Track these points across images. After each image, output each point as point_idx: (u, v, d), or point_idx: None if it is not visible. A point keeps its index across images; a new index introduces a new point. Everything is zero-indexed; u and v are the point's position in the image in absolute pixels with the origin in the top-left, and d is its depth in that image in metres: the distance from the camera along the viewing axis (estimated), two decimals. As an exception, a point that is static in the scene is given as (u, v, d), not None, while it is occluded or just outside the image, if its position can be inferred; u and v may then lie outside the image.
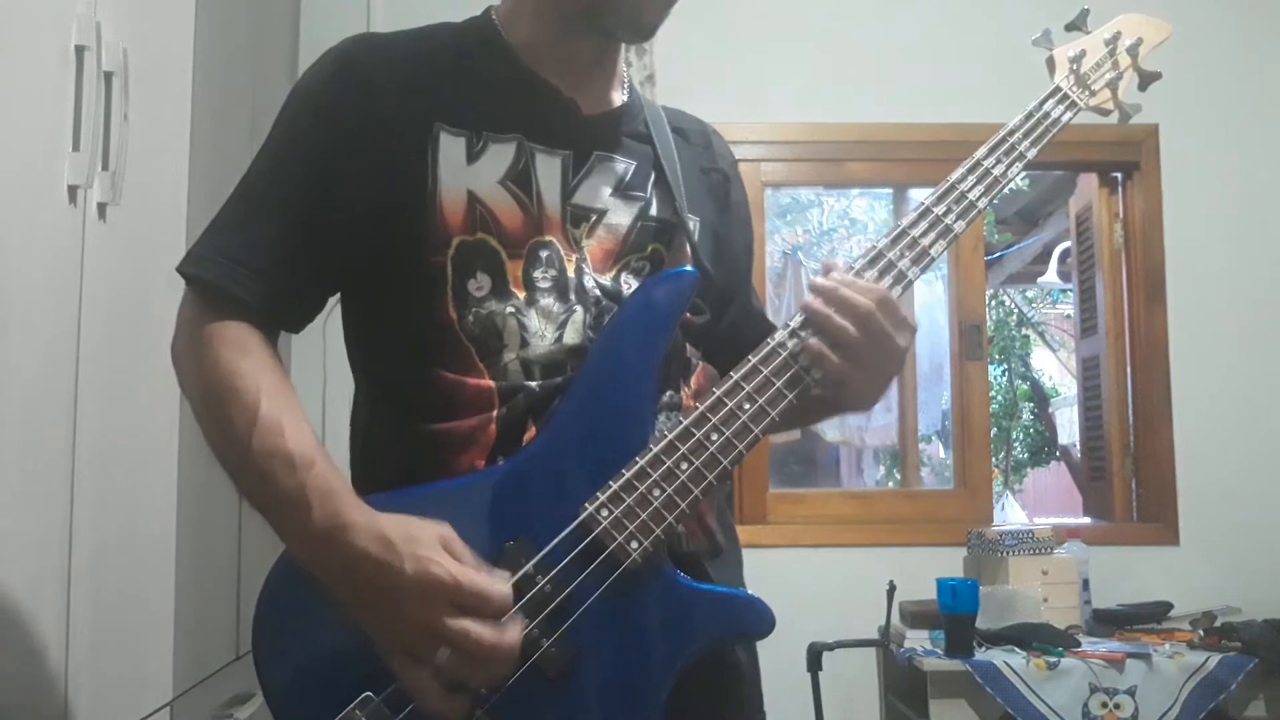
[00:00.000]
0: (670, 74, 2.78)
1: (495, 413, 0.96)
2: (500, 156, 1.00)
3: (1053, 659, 2.41)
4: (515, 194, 1.00)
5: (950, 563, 2.87)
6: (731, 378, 0.98)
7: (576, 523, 0.92)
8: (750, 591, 1.01)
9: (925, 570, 2.67)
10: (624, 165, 1.06)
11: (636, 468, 0.93)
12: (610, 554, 0.91)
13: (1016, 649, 2.48)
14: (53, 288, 1.27)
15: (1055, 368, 9.22)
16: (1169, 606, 2.83)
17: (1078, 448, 5.09)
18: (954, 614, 2.45)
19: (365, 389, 1.06)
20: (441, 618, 0.82)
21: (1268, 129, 3.15)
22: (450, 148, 0.99)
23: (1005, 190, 1.04)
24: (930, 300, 5.17)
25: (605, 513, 0.92)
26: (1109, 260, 3.25)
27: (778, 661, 2.53)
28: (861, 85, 3.12)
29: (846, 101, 3.10)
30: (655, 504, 0.93)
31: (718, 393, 0.97)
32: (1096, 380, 3.34)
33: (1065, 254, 6.08)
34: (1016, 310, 8.98)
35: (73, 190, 1.30)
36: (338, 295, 1.05)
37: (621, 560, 0.91)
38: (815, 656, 2.51)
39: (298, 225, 0.97)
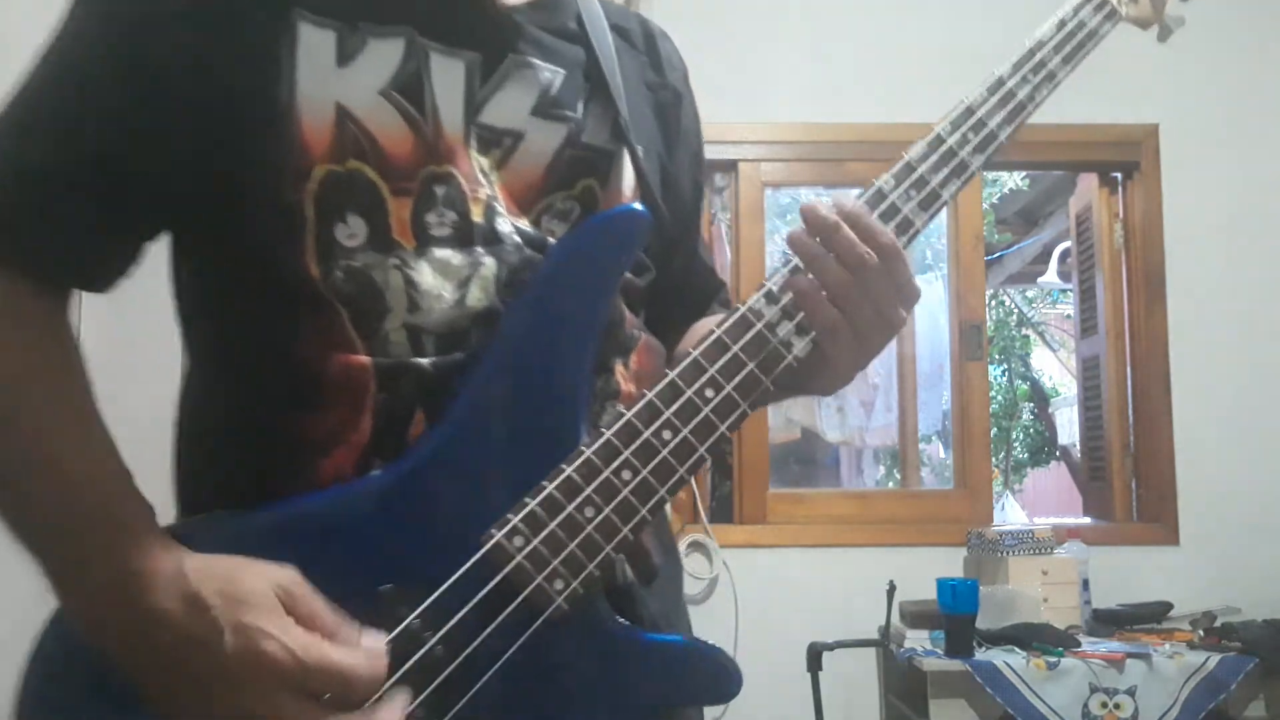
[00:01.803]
0: (670, 74, 2.78)
1: (370, 399, 0.71)
2: (382, 57, 0.75)
3: (1053, 659, 2.40)
4: (402, 108, 0.75)
5: (950, 563, 2.87)
6: (691, 354, 0.74)
7: (479, 556, 0.68)
8: (710, 642, 0.76)
9: (925, 570, 2.67)
10: (549, 74, 0.81)
11: (563, 479, 0.70)
12: (527, 599, 0.69)
13: (1016, 649, 2.47)
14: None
15: (1055, 368, 9.22)
16: (1169, 606, 2.83)
17: (1078, 448, 5.09)
18: (954, 614, 2.45)
19: (197, 368, 0.80)
20: (280, 713, 0.61)
21: (1268, 129, 3.15)
22: (314, 45, 0.73)
23: (1029, 119, 0.85)
24: (930, 300, 5.17)
25: (519, 541, 0.69)
26: (1109, 260, 3.25)
27: (778, 661, 2.54)
28: (861, 85, 3.12)
29: (846, 101, 3.10)
30: (588, 528, 0.70)
31: (672, 375, 0.74)
32: (1096, 380, 3.34)
33: (1065, 254, 6.08)
34: (1016, 310, 8.97)
35: (72, 190, 1.29)
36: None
37: (542, 607, 0.69)
38: (815, 656, 2.51)
39: (101, 147, 0.71)
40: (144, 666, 0.64)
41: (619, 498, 0.71)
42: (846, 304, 0.75)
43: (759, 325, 0.76)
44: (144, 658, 0.63)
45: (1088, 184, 3.39)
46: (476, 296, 0.74)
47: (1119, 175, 3.25)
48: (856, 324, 0.76)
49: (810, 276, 0.76)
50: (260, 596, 0.62)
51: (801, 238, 0.76)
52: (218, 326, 0.78)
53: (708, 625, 2.79)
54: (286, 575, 0.64)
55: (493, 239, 0.76)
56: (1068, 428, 8.47)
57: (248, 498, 0.71)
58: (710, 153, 3.68)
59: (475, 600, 0.68)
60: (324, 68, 0.73)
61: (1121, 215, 3.24)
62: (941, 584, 2.48)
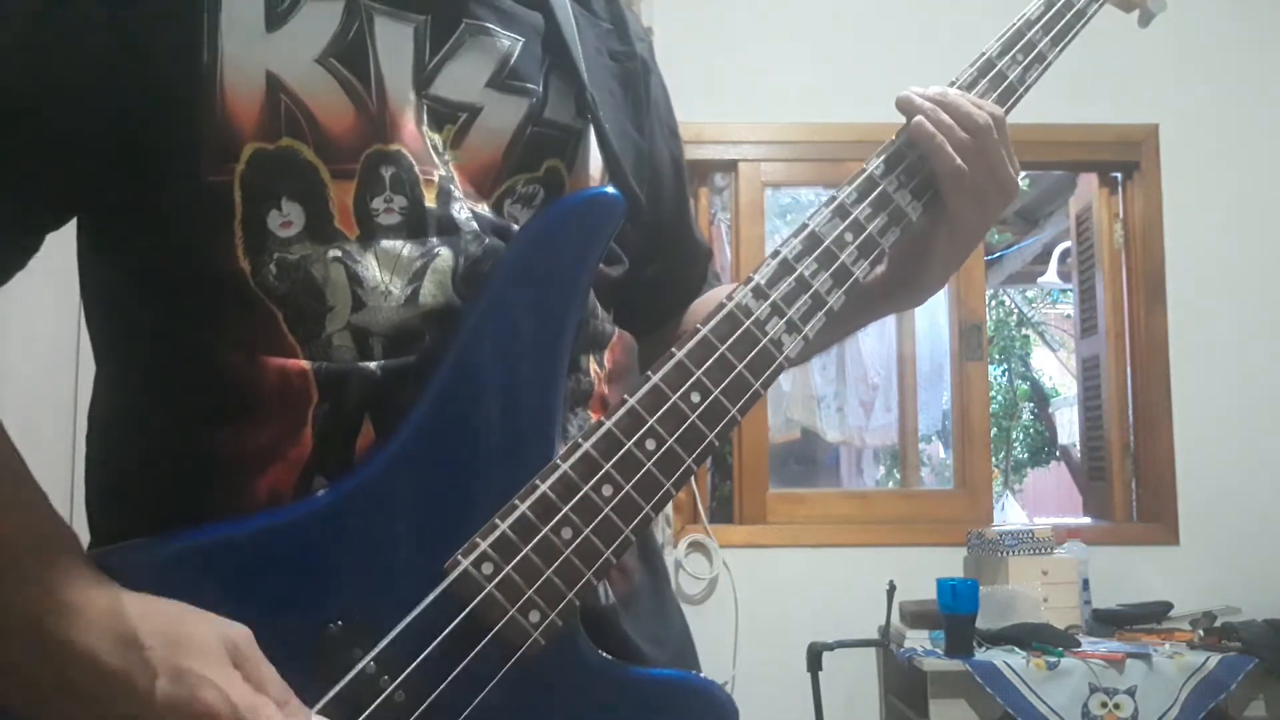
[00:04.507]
0: (670, 74, 2.78)
1: (312, 410, 0.63)
2: (319, 20, 0.66)
3: (1053, 659, 2.40)
4: (343, 78, 0.66)
5: (950, 563, 2.87)
6: (674, 355, 0.68)
7: (443, 587, 0.60)
8: (701, 675, 0.70)
9: (925, 570, 2.67)
10: (508, 42, 0.73)
11: (536, 496, 0.62)
12: (498, 635, 0.61)
13: (1016, 649, 2.48)
14: (53, 288, 1.27)
15: (1055, 368, 9.22)
16: (1169, 606, 2.84)
17: (1078, 448, 5.09)
18: (954, 614, 2.45)
19: (109, 378, 0.72)
20: None
21: (1268, 129, 3.15)
22: (239, 4, 0.65)
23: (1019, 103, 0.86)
24: (930, 300, 5.17)
25: (489, 568, 0.61)
26: (1109, 260, 3.25)
27: (778, 661, 2.54)
28: (861, 85, 3.12)
29: (846, 101, 3.10)
30: (566, 552, 0.62)
31: (655, 378, 0.67)
32: (1096, 380, 3.34)
33: (1065, 254, 6.08)
34: (1016, 310, 8.98)
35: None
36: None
37: (516, 644, 0.61)
38: (815, 656, 2.51)
39: (5, 112, 0.62)
40: (48, 714, 0.54)
41: (600, 517, 0.63)
42: (967, 154, 0.76)
43: (747, 323, 0.70)
44: (59, 708, 0.54)
45: (1088, 184, 3.39)
46: (430, 293, 0.66)
47: (1119, 175, 3.25)
48: (976, 176, 0.77)
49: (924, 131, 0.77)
50: (206, 644, 0.55)
51: (913, 94, 0.78)
52: (132, 330, 0.70)
53: (708, 625, 2.80)
54: (239, 632, 0.56)
55: (449, 227, 0.67)
56: (1068, 428, 8.47)
57: (171, 525, 0.61)
58: (710, 153, 3.69)
59: (440, 638, 0.60)
60: (252, 31, 0.65)
61: (1121, 215, 3.24)
62: (941, 584, 2.48)
